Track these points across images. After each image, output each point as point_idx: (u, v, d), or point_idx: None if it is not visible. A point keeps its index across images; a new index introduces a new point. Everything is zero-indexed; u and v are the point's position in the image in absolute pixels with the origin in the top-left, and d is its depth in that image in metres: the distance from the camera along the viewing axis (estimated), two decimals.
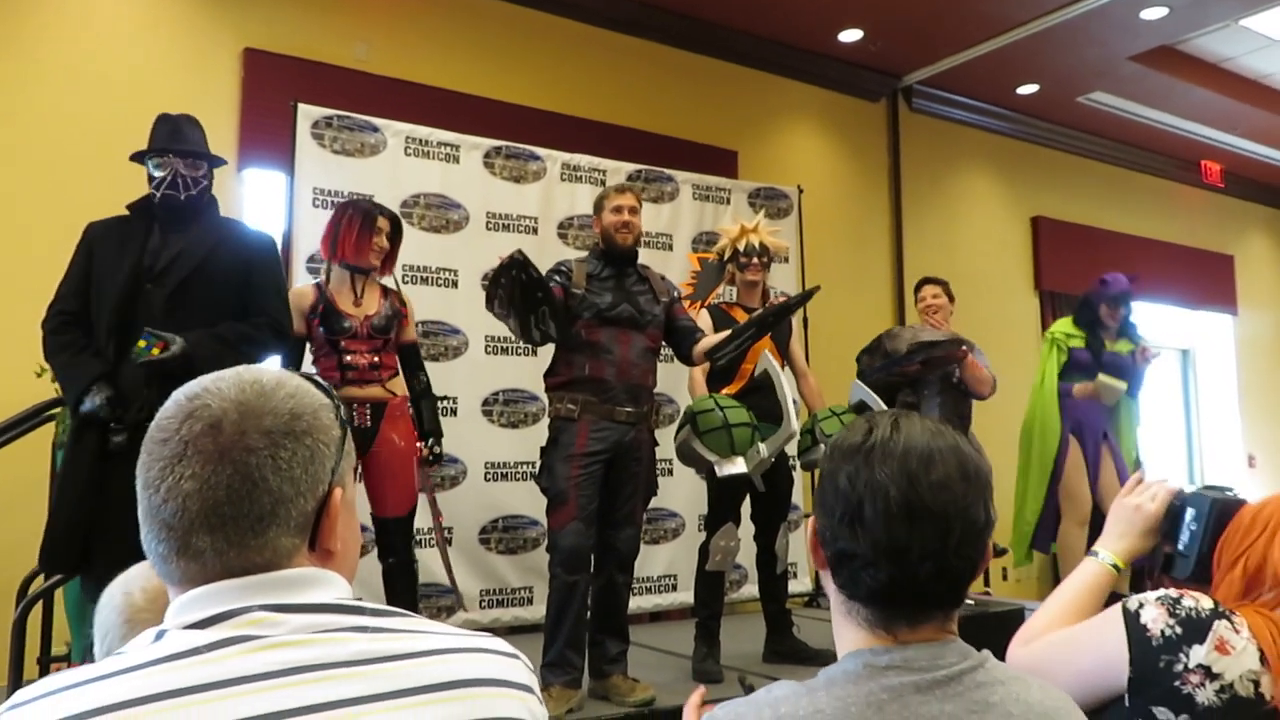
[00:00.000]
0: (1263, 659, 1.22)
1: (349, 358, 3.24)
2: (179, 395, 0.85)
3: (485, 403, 4.72)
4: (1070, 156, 8.26)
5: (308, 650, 0.78)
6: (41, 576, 3.18)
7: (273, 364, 2.92)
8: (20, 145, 4.26)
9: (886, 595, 0.97)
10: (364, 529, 3.55)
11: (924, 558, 0.95)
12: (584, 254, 3.65)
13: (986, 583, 5.69)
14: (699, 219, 5.51)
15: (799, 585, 5.29)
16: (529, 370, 4.55)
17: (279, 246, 3.09)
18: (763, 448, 3.45)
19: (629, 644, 3.43)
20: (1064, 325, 4.90)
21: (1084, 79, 7.19)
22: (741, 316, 3.83)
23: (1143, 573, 1.53)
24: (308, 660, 0.77)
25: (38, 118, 4.31)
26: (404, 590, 3.31)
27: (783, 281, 5.59)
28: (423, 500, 3.50)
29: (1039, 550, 4.97)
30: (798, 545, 4.76)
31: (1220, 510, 1.37)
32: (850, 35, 6.45)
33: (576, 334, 3.36)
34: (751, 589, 4.72)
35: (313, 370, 3.31)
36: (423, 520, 3.57)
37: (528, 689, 0.87)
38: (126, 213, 2.95)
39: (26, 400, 3.52)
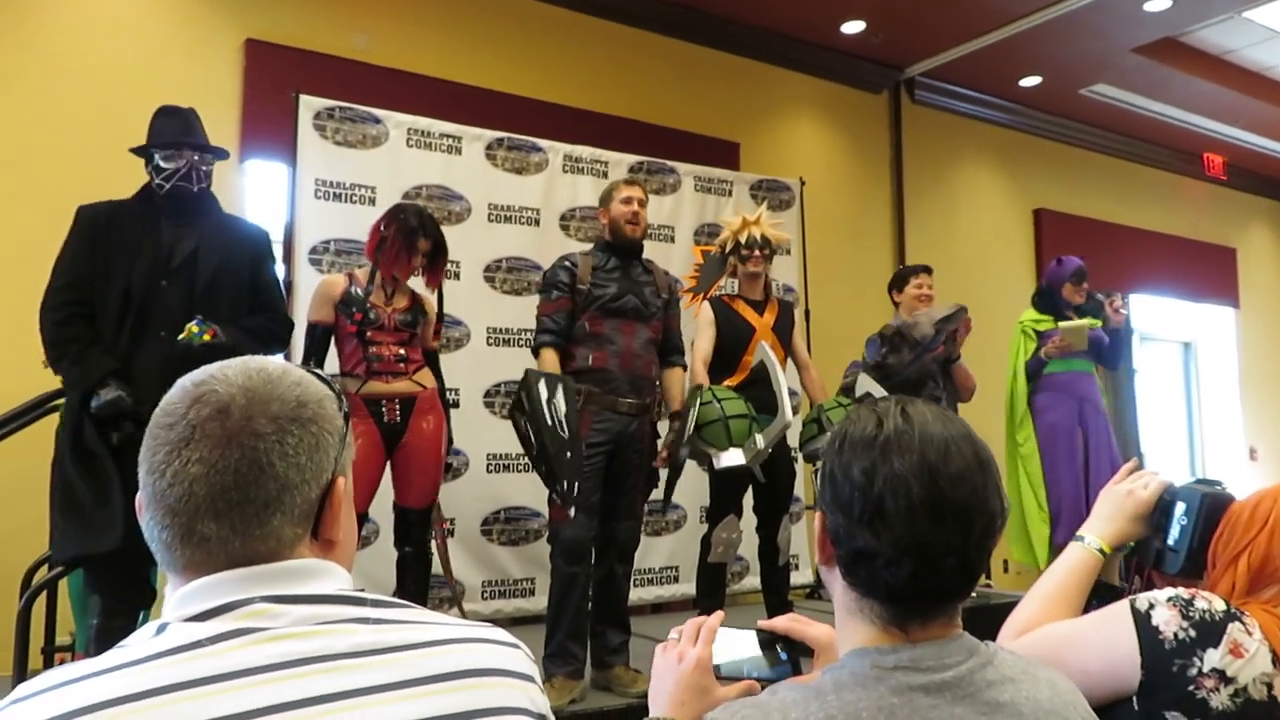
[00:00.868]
0: (1275, 661, 1.19)
1: (374, 349, 3.24)
2: (185, 382, 0.85)
3: (487, 394, 4.72)
4: (1073, 149, 8.24)
5: (310, 642, 0.78)
6: (45, 567, 3.19)
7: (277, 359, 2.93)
8: (21, 136, 4.25)
9: (907, 593, 0.93)
10: (372, 519, 3.56)
11: (947, 553, 0.92)
12: (589, 246, 3.65)
13: (988, 575, 5.70)
14: (701, 211, 5.51)
15: (800, 577, 5.30)
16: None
17: (281, 238, 3.11)
18: (759, 439, 3.46)
19: (630, 635, 3.44)
20: (1029, 314, 4.92)
21: (1087, 71, 7.16)
22: (743, 308, 3.84)
23: (1131, 565, 1.52)
24: (310, 652, 0.77)
25: (38, 109, 4.30)
26: (416, 579, 3.34)
27: (785, 274, 5.60)
28: None
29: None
30: (799, 537, 4.77)
31: (1211, 506, 1.36)
32: (853, 27, 6.44)
33: (581, 326, 3.36)
34: (753, 580, 4.73)
35: (337, 363, 3.32)
36: None
37: (529, 678, 0.87)
38: (120, 199, 2.94)
39: (29, 390, 3.53)
